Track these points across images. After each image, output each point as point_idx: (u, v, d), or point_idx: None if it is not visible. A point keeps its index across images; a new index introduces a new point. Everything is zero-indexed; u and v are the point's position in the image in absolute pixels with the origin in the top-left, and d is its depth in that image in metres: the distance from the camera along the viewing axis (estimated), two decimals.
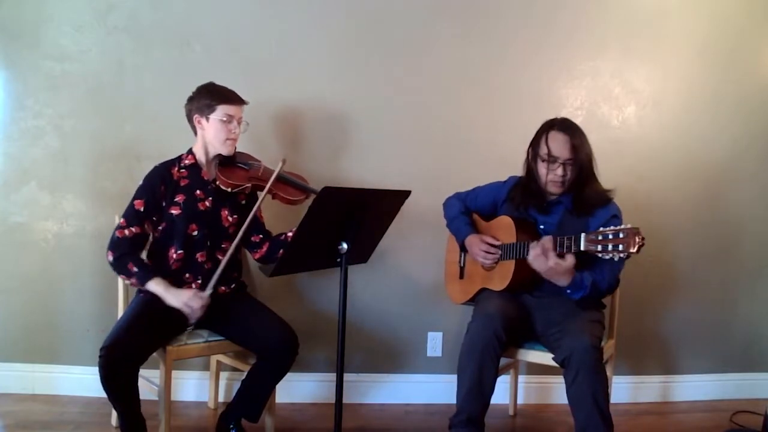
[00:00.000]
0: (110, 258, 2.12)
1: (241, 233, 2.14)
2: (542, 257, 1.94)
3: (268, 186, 2.19)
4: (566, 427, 2.59)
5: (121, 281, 2.34)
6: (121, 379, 1.95)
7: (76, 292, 2.67)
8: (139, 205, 2.15)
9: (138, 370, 1.98)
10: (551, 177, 2.14)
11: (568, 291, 2.05)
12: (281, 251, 2.32)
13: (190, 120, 2.24)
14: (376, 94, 2.72)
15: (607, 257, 1.81)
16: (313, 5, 2.67)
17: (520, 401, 2.79)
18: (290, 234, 2.31)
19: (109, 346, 1.92)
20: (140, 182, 2.20)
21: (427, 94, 2.73)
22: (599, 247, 1.81)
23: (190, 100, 2.22)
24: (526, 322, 2.21)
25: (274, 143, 2.66)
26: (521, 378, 2.80)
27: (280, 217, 2.50)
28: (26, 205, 2.65)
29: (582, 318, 2.11)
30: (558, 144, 2.11)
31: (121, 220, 2.15)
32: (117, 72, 2.62)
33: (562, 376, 2.02)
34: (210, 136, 2.21)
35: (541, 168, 2.17)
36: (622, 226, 1.78)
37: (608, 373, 2.30)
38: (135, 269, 2.10)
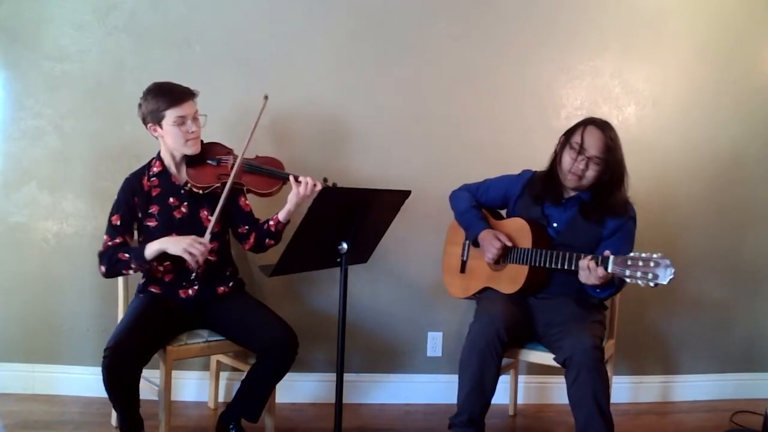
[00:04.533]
0: (104, 269, 2.10)
1: (215, 216, 2.10)
2: (586, 271, 1.93)
3: (230, 180, 2.11)
4: (566, 427, 2.59)
5: (121, 281, 2.35)
6: (125, 380, 1.95)
7: (76, 292, 2.67)
8: (116, 220, 2.14)
9: (141, 371, 1.97)
10: (573, 168, 2.13)
11: (598, 290, 2.04)
12: (267, 240, 2.27)
13: (146, 127, 2.16)
14: (376, 94, 2.72)
15: (633, 282, 1.80)
16: (313, 5, 2.67)
17: (520, 401, 2.79)
18: (272, 223, 2.24)
19: (113, 346, 1.91)
20: (116, 196, 2.17)
21: (427, 93, 2.73)
22: (627, 272, 1.81)
23: (139, 106, 2.15)
24: (528, 323, 2.21)
25: (274, 143, 2.66)
26: (521, 378, 2.80)
27: (265, 204, 2.45)
28: (26, 205, 2.65)
29: (583, 319, 2.11)
30: (592, 138, 2.10)
31: (105, 237, 2.14)
32: (117, 72, 2.62)
33: (562, 376, 2.02)
34: (170, 142, 2.15)
35: (567, 156, 2.15)
36: (656, 255, 1.76)
37: (608, 373, 2.30)
38: (127, 254, 2.07)
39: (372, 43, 2.70)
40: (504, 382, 2.67)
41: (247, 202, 2.32)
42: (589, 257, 1.93)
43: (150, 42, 2.63)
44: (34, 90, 2.61)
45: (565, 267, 2.02)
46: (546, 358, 2.14)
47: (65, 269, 2.67)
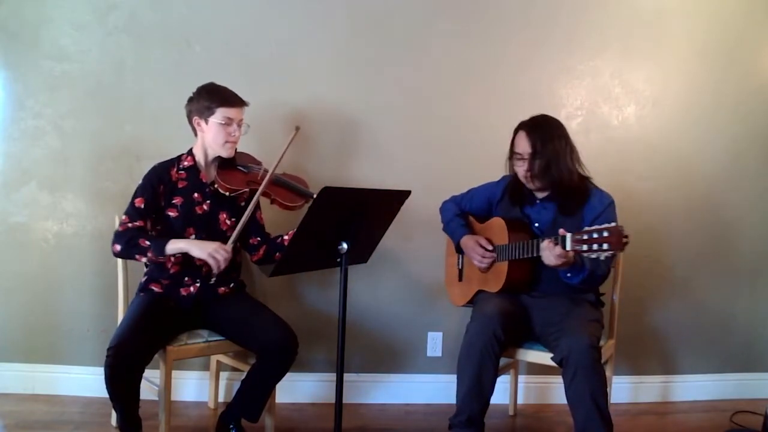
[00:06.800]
0: (118, 248, 2.08)
1: (240, 226, 2.14)
2: (546, 252, 1.95)
3: (261, 187, 2.18)
4: (566, 427, 2.59)
5: (121, 281, 2.34)
6: (127, 379, 1.95)
7: (76, 292, 2.67)
8: (140, 203, 2.15)
9: (143, 370, 1.98)
10: (520, 173, 2.22)
11: (569, 275, 2.05)
12: (277, 254, 2.33)
13: (189, 121, 2.24)
14: (376, 94, 2.72)
15: (593, 256, 1.81)
16: (313, 5, 2.67)
17: (519, 401, 2.79)
18: (287, 237, 2.31)
19: (116, 346, 1.92)
20: (139, 182, 2.20)
21: (428, 93, 2.73)
22: (585, 247, 1.81)
23: (190, 101, 2.22)
24: (525, 322, 2.21)
25: (273, 143, 2.65)
26: (521, 378, 2.80)
27: (279, 219, 2.50)
28: (26, 205, 2.65)
29: (580, 317, 2.10)
30: (520, 141, 2.20)
31: (124, 217, 2.14)
32: (117, 72, 2.62)
33: (561, 376, 2.02)
34: (209, 139, 2.21)
35: (514, 166, 2.25)
36: (606, 225, 1.77)
37: (608, 373, 2.30)
38: (147, 242, 2.07)
39: (372, 43, 2.71)
40: (504, 382, 2.68)
41: (262, 216, 2.39)
42: (549, 239, 1.95)
43: (150, 42, 2.63)
44: (34, 90, 2.61)
45: (534, 254, 2.03)
46: (544, 357, 2.14)
47: (65, 269, 2.67)
